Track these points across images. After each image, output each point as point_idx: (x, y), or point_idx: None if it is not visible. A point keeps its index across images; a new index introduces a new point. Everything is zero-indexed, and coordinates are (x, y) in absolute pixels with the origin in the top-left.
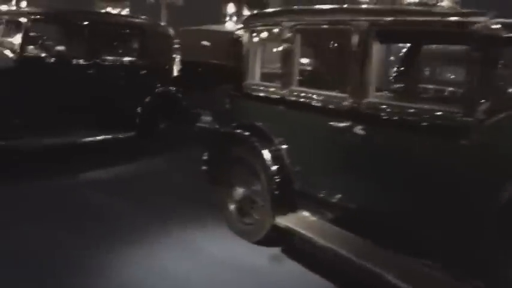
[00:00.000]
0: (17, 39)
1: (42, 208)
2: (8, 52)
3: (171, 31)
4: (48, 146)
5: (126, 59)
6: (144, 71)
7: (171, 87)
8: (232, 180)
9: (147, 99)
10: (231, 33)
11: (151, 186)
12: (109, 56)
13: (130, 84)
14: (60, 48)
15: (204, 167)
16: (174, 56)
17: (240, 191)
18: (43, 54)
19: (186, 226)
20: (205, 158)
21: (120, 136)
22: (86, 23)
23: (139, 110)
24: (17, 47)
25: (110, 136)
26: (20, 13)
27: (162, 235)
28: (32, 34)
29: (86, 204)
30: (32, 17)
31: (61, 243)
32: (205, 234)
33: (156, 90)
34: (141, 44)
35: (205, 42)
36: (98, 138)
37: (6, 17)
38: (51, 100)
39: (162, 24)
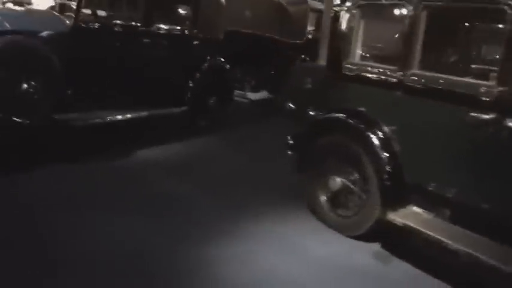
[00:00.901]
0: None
1: (110, 196)
2: (62, 17)
3: None
4: (100, 122)
5: (179, 27)
6: (196, 41)
7: (221, 59)
8: (326, 168)
9: (199, 72)
10: (278, 3)
11: (219, 170)
12: (163, 24)
13: (183, 56)
14: (115, 14)
15: (289, 152)
16: (224, 25)
17: (335, 181)
18: (98, 22)
19: (274, 217)
20: (291, 142)
21: (173, 111)
22: None
23: (191, 83)
24: (72, 13)
25: (163, 111)
26: None
27: (251, 226)
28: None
29: (156, 191)
30: None
31: (145, 237)
32: (296, 226)
33: (208, 62)
34: (194, 11)
35: (251, 12)
36: (153, 113)
37: None
38: (104, 72)
39: None
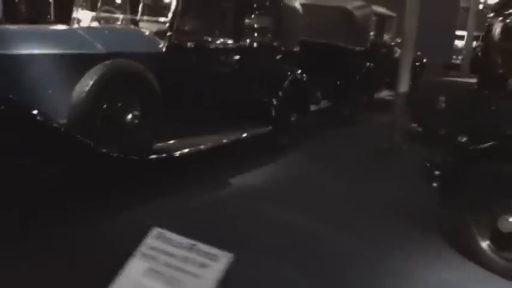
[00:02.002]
0: (167, 20)
1: (227, 233)
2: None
3: (299, 5)
4: (196, 149)
5: (262, 40)
6: (278, 54)
7: (301, 73)
8: (492, 205)
9: (282, 87)
10: (344, 8)
11: (324, 195)
12: (248, 37)
13: (267, 70)
14: (205, 29)
15: (434, 184)
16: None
17: (509, 222)
18: (190, 40)
19: (427, 259)
20: (437, 173)
21: (259, 132)
22: None
23: (275, 100)
24: (167, 30)
25: (251, 132)
26: None
27: (411, 270)
28: (185, 13)
29: (274, 224)
30: None
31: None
32: (459, 273)
33: (289, 76)
34: (276, 22)
35: (317, 19)
36: (242, 135)
37: None
38: (197, 93)
39: None
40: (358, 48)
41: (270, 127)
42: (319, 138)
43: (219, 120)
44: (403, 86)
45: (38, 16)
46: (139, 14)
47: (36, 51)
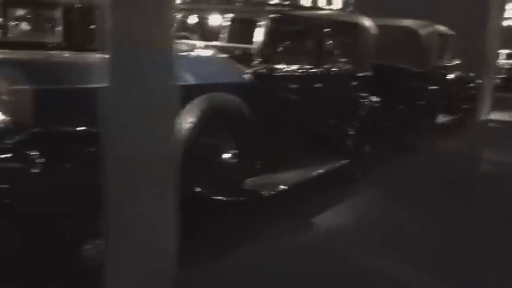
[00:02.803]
0: (254, 47)
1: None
2: (237, 64)
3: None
4: (284, 187)
5: (338, 65)
6: (354, 80)
7: (375, 100)
8: None
9: (358, 115)
10: (409, 27)
11: (425, 241)
12: (328, 63)
13: (344, 98)
14: (288, 55)
15: None
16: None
17: None
18: (278, 67)
19: None
20: None
21: (336, 165)
22: (316, 21)
23: (351, 130)
24: (254, 59)
25: (329, 166)
26: (259, 10)
27: None
28: (273, 40)
29: (382, 279)
30: (275, 16)
31: None
32: None
33: (364, 103)
34: (353, 45)
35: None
36: (322, 169)
37: (235, 14)
38: (283, 125)
39: (363, 16)
40: (422, 70)
41: (347, 160)
42: (389, 168)
43: (299, 152)
44: (484, 112)
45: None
46: (224, 40)
47: None
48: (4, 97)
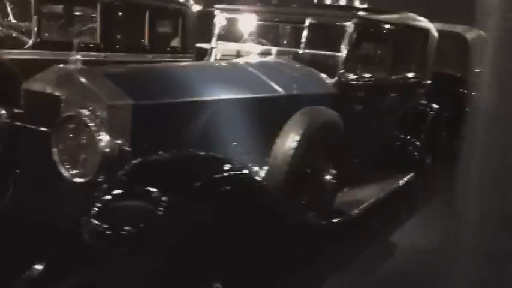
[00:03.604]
0: (338, 54)
1: None
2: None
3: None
4: (367, 205)
5: (408, 73)
6: (421, 88)
7: (437, 108)
8: None
9: (424, 126)
10: (457, 33)
11: None
12: (400, 70)
13: (411, 107)
14: (371, 64)
15: None
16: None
17: None
18: (363, 76)
19: None
20: None
21: (406, 179)
22: (395, 26)
23: (418, 141)
24: (337, 66)
25: (400, 181)
26: (339, 15)
27: None
28: (357, 47)
29: None
30: (360, 20)
31: None
32: None
33: (429, 112)
34: (422, 53)
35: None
36: (395, 185)
37: (310, 19)
38: (364, 138)
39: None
40: (469, 77)
41: (413, 174)
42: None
43: (371, 166)
44: None
45: (134, 42)
46: (302, 46)
47: (222, 96)
48: (103, 114)
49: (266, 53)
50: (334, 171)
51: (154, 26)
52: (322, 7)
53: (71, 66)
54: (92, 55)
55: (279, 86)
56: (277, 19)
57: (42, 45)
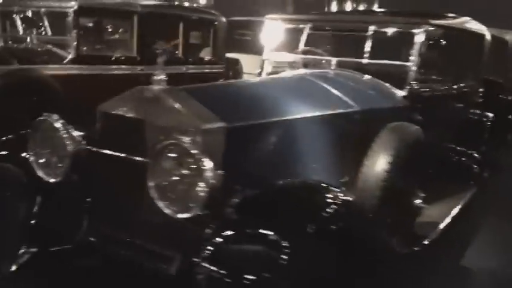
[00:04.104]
0: (407, 64)
1: None
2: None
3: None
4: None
5: (468, 81)
6: (478, 98)
7: (491, 116)
8: None
9: (482, 136)
10: (504, 41)
11: None
12: (462, 79)
13: (471, 117)
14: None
15: None
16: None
17: None
18: (433, 87)
19: None
20: None
21: (468, 194)
22: (460, 32)
23: (477, 152)
24: (406, 77)
25: (465, 196)
26: (412, 21)
27: None
28: (428, 56)
29: None
30: (432, 28)
31: None
32: None
33: (486, 122)
34: (477, 59)
35: None
36: (462, 201)
37: (375, 26)
38: (436, 151)
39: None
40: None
41: (476, 187)
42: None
43: (437, 183)
44: None
45: (168, 53)
46: (366, 56)
47: (305, 114)
48: (198, 140)
49: (324, 64)
50: (422, 194)
51: (187, 37)
52: (384, 14)
53: (156, 87)
54: (128, 68)
55: (352, 100)
56: (336, 28)
57: (81, 59)
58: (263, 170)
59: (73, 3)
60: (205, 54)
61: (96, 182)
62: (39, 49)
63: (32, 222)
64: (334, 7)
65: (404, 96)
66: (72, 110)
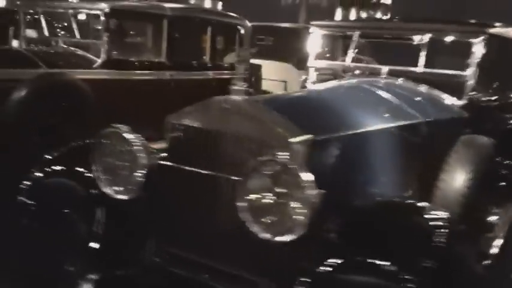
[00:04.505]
0: (465, 73)
1: None
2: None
3: None
4: None
5: None
6: None
7: None
8: None
9: None
10: None
11: None
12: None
13: None
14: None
15: None
16: None
17: None
18: (494, 98)
19: None
20: None
21: None
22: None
23: None
24: (464, 87)
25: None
26: (470, 29)
27: None
28: (488, 64)
29: None
30: (492, 36)
31: None
32: None
33: None
34: None
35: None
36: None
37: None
38: None
39: None
40: None
41: None
42: None
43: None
44: None
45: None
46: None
47: (378, 126)
48: (289, 152)
49: (374, 72)
50: (497, 210)
51: (214, 42)
52: (438, 21)
53: (237, 98)
54: (157, 74)
55: (416, 111)
56: (388, 35)
57: (111, 64)
58: (353, 186)
59: (104, 5)
60: (230, 59)
61: (168, 199)
62: (65, 52)
63: (94, 243)
64: (339, 14)
65: (463, 106)
66: (103, 117)
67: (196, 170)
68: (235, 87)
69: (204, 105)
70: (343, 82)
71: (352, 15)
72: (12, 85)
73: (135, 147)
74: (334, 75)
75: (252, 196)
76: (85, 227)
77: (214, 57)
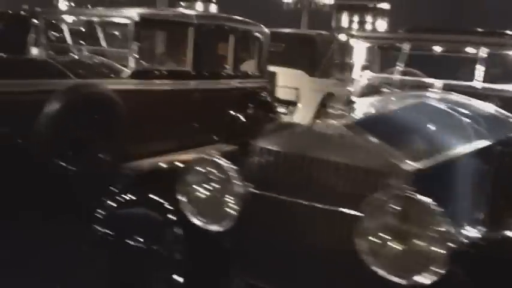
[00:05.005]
0: None
1: None
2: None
3: None
4: None
5: None
6: None
7: None
8: None
9: None
10: None
11: None
12: None
13: None
14: None
15: None
16: None
17: None
18: None
19: None
20: None
21: None
22: None
23: None
24: None
25: None
26: None
27: None
28: None
29: None
30: None
31: None
32: None
33: None
34: None
35: None
36: None
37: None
38: None
39: None
40: None
41: None
42: None
43: None
44: None
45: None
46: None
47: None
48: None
49: (425, 86)
50: None
51: (237, 50)
52: (495, 34)
53: (337, 123)
54: (184, 83)
55: (487, 130)
56: (438, 48)
57: (140, 74)
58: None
59: (134, 14)
60: (249, 68)
61: (262, 229)
62: (92, 61)
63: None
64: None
65: None
66: (132, 129)
67: (294, 200)
68: (332, 111)
69: (295, 129)
70: (410, 100)
71: (344, 19)
72: (42, 97)
73: (230, 174)
74: (376, 88)
75: (375, 234)
76: (169, 259)
77: (237, 65)
